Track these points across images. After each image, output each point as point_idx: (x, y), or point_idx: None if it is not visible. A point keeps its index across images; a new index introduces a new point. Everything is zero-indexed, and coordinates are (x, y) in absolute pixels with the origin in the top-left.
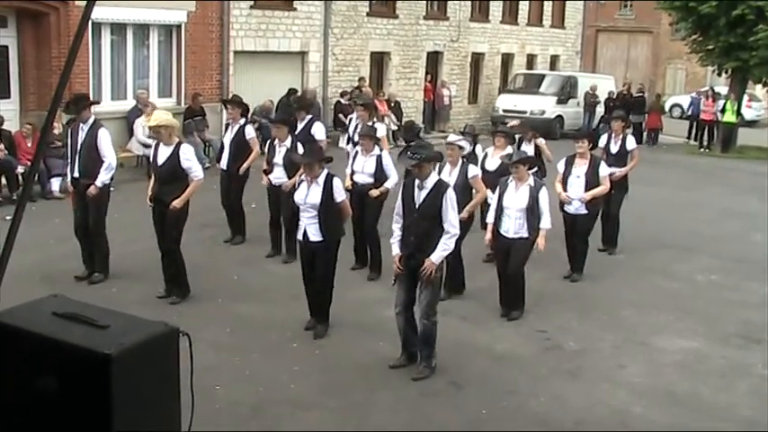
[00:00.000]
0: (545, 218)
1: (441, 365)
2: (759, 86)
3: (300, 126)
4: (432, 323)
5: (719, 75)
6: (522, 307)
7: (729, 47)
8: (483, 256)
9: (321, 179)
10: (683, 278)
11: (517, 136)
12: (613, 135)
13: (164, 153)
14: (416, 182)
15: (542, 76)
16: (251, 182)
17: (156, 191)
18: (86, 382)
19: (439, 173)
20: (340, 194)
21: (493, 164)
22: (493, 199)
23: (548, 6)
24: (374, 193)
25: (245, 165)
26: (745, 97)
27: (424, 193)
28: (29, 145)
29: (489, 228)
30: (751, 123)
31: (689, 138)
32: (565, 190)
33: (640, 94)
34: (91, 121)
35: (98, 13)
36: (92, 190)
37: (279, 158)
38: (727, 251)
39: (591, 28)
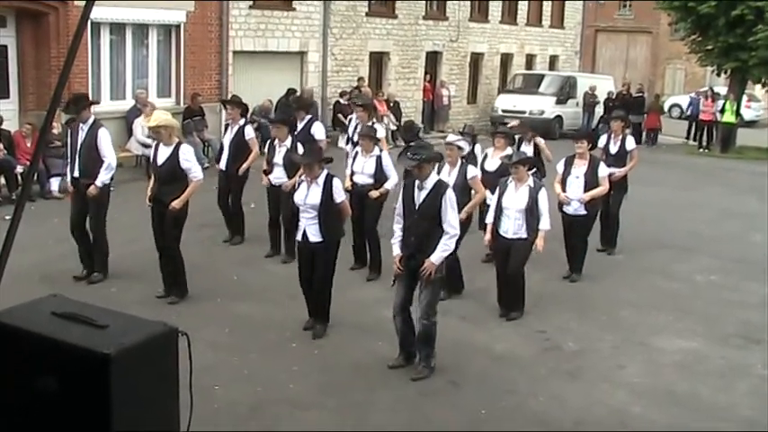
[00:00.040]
0: (544, 219)
1: (440, 365)
2: (758, 87)
3: (300, 126)
4: (431, 323)
5: (719, 75)
6: (522, 307)
7: (729, 47)
8: (482, 256)
9: (321, 180)
10: (683, 278)
11: (517, 136)
12: (613, 135)
13: (163, 153)
14: (416, 182)
15: (541, 77)
16: (250, 182)
17: (155, 191)
18: (86, 382)
19: (438, 173)
20: (340, 195)
21: (493, 164)
22: (492, 199)
23: (547, 6)
24: (374, 194)
25: (244, 165)
26: (745, 97)
27: (423, 194)
28: (28, 145)
29: (489, 228)
30: (750, 123)
31: (688, 138)
32: (564, 190)
33: (639, 95)
34: (91, 120)
35: (97, 13)
36: (92, 190)
37: (279, 158)
38: (726, 251)
39: (590, 28)
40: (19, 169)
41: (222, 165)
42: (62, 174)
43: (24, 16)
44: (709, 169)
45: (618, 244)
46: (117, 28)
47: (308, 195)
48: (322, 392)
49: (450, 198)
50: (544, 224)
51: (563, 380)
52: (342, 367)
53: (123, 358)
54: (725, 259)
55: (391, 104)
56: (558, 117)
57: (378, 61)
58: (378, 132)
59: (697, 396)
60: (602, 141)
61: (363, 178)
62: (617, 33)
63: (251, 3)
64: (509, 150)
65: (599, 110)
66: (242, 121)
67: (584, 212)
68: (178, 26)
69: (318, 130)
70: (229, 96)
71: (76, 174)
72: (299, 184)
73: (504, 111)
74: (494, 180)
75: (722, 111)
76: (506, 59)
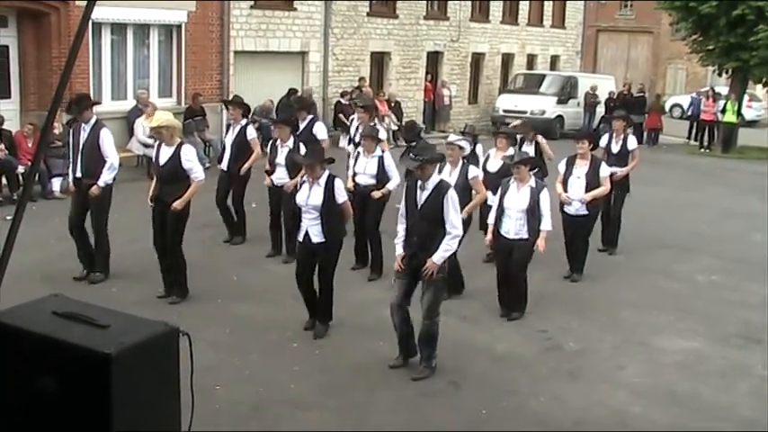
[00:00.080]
0: (545, 219)
1: (441, 365)
2: (759, 86)
3: (302, 126)
4: (434, 323)
5: (720, 75)
6: (524, 308)
7: (730, 47)
8: (483, 256)
9: (322, 180)
10: (684, 278)
11: (518, 136)
12: (614, 135)
13: (165, 154)
14: (418, 183)
15: (542, 77)
16: (251, 182)
17: (157, 191)
18: (86, 382)
19: (439, 173)
20: (341, 195)
21: (495, 165)
22: (494, 200)
23: (548, 6)
24: (376, 194)
25: (246, 165)
26: (746, 97)
27: (425, 194)
28: (29, 145)
29: (490, 228)
30: (751, 123)
31: (689, 138)
32: (565, 191)
33: (641, 95)
34: (93, 121)
35: (98, 13)
36: (94, 190)
37: (281, 159)
38: (727, 251)
39: (591, 28)
40: (20, 169)
41: (224, 165)
42: (63, 174)
43: (26, 16)
44: (711, 169)
45: (618, 244)
46: (118, 28)
47: (309, 196)
48: (323, 393)
49: (452, 198)
50: (545, 225)
51: (564, 380)
52: (343, 367)
53: (124, 358)
54: (726, 259)
55: (392, 104)
56: (560, 117)
57: (379, 61)
58: (379, 134)
59: (698, 396)
60: (603, 141)
61: (365, 179)
62: (618, 33)
63: (252, 3)
64: (511, 151)
65: (600, 110)
66: (244, 122)
67: (585, 213)
68: (179, 26)
69: (320, 130)
70: (230, 96)
71: (79, 174)
72: (300, 185)
73: (505, 111)
74: (496, 181)
75: (723, 111)
76: (507, 59)
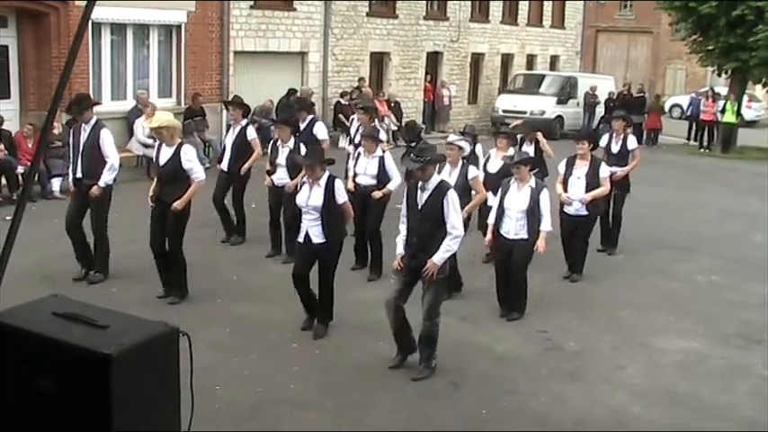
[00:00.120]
0: (545, 220)
1: (440, 366)
2: (759, 87)
3: (302, 126)
4: (434, 324)
5: (719, 75)
6: (524, 308)
7: (729, 47)
8: (483, 256)
9: (323, 181)
10: (683, 279)
11: (519, 136)
12: (614, 135)
13: (165, 154)
14: (419, 183)
15: (542, 77)
16: (251, 182)
17: (157, 191)
18: (86, 382)
19: (438, 173)
20: (342, 196)
21: (495, 165)
22: (495, 200)
23: (547, 6)
24: (377, 194)
25: (246, 165)
26: (745, 98)
27: (425, 195)
28: (29, 145)
29: (490, 228)
30: (751, 124)
31: (689, 138)
32: (565, 191)
33: (640, 95)
34: (93, 121)
35: (98, 14)
36: (95, 190)
37: (282, 159)
38: (727, 252)
39: (591, 28)
40: (20, 170)
41: (224, 165)
42: (63, 174)
43: (25, 16)
44: (710, 169)
45: (618, 244)
46: (118, 28)
47: (310, 197)
48: (322, 393)
49: (452, 199)
50: (545, 225)
51: (564, 380)
52: (342, 368)
53: (124, 358)
54: (726, 259)
55: (392, 105)
56: (559, 117)
57: (378, 61)
58: (379, 134)
59: (697, 396)
60: (603, 141)
61: (366, 179)
62: (618, 33)
63: (252, 3)
64: (511, 151)
65: (600, 110)
66: (244, 122)
67: (585, 213)
68: (179, 26)
69: (321, 131)
70: (230, 97)
71: (79, 174)
72: (301, 186)
73: (504, 111)
74: (496, 181)
75: (723, 111)
76: (507, 60)
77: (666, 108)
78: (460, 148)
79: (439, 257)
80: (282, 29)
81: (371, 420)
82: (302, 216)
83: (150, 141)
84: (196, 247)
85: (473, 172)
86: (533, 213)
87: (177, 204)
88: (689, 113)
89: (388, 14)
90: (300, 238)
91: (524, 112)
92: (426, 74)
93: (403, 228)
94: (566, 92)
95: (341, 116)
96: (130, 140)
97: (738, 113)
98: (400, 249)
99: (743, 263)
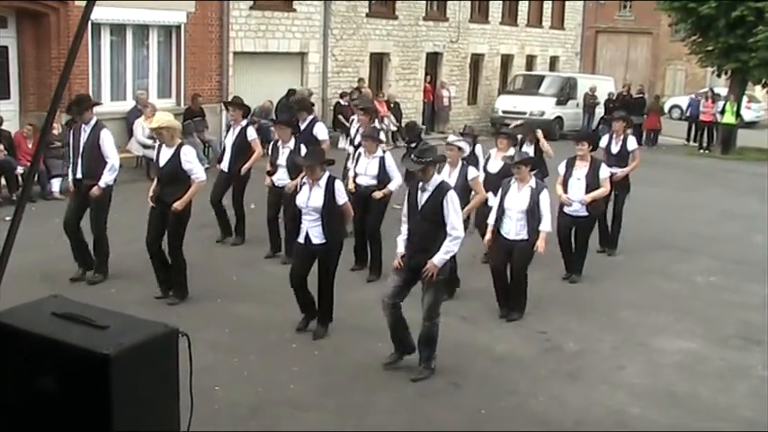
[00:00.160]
0: (545, 220)
1: (440, 366)
2: (758, 88)
3: (302, 127)
4: (434, 324)
5: (719, 76)
6: (523, 308)
7: (729, 48)
8: (482, 256)
9: (323, 182)
10: (683, 279)
11: (519, 136)
12: (614, 135)
13: (165, 154)
14: (419, 184)
15: (542, 78)
16: (251, 183)
17: (157, 192)
18: (86, 383)
19: (438, 174)
20: (342, 197)
21: (495, 166)
22: (495, 200)
23: (547, 7)
24: (377, 195)
25: (246, 165)
26: (745, 98)
27: (426, 196)
28: (29, 145)
29: (490, 229)
30: (750, 125)
31: (688, 139)
32: (565, 192)
33: (640, 96)
34: (93, 122)
35: (98, 14)
36: (95, 191)
37: (282, 160)
38: (726, 252)
39: (590, 29)
40: (20, 170)
41: (224, 165)
42: (63, 174)
43: (25, 17)
44: (710, 170)
45: (618, 244)
46: (117, 29)
47: (310, 198)
48: (322, 393)
49: (452, 200)
50: (545, 225)
51: (563, 380)
52: (342, 368)
53: (123, 359)
54: (725, 260)
55: (392, 105)
56: (559, 118)
57: (378, 62)
58: (380, 135)
59: (697, 397)
60: (603, 141)
61: (366, 179)
62: (617, 34)
63: (251, 3)
64: (512, 151)
65: (599, 111)
66: (244, 123)
67: (585, 214)
68: (178, 27)
69: (321, 131)
70: (230, 97)
71: (79, 175)
72: (301, 187)
73: (504, 112)
74: (497, 182)
75: (722, 112)
76: (507, 60)
77: (666, 109)
78: (460, 148)
79: (439, 259)
80: (282, 29)
81: (371, 420)
82: (302, 217)
83: (150, 142)
84: (196, 248)
85: (473, 173)
86: (533, 214)
87: (177, 205)
88: (688, 114)
89: (388, 15)
90: (301, 239)
91: (524, 113)
92: (426, 74)
93: (404, 228)
94: (565, 93)
95: (340, 117)
96: (130, 141)
97: (738, 114)
98: (401, 249)
99: (742, 264)
